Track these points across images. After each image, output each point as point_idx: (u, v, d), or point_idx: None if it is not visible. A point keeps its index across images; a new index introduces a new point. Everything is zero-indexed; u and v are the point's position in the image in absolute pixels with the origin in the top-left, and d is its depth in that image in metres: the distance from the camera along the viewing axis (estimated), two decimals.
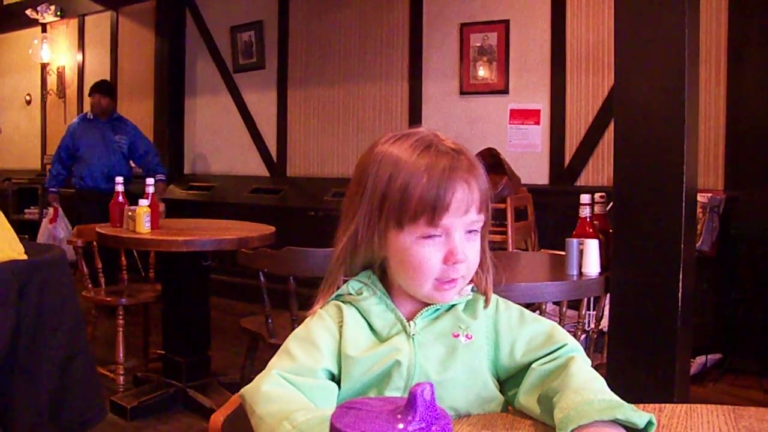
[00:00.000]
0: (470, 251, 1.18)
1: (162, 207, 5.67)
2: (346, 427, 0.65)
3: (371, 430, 0.65)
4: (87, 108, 8.96)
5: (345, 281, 1.24)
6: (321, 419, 0.98)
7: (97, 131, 6.33)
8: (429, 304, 1.21)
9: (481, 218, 1.18)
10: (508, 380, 1.21)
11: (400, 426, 0.65)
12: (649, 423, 1.00)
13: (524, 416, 1.14)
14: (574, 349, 1.17)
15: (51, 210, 6.76)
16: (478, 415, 1.15)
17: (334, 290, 1.24)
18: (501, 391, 1.20)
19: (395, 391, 1.14)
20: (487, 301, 1.23)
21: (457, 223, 1.15)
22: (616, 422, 1.00)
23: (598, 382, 1.09)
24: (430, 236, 1.15)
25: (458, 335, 1.18)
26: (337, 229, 1.24)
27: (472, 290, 1.25)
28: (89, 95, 6.47)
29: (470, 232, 1.18)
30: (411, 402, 0.67)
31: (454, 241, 1.15)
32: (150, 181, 4.04)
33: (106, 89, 6.42)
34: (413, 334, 1.18)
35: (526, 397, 1.14)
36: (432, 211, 1.12)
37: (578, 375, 1.09)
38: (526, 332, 1.20)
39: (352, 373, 1.14)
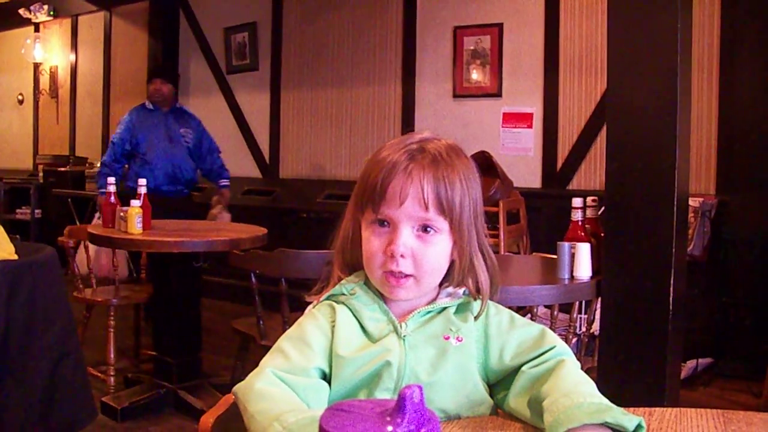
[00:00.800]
0: (420, 249, 1.18)
1: (228, 217, 5.31)
2: (335, 430, 0.65)
3: None
4: (83, 108, 9.01)
5: (341, 278, 1.26)
6: (311, 420, 0.98)
7: (160, 124, 5.39)
8: (421, 306, 1.21)
9: (438, 218, 1.18)
10: (498, 384, 1.22)
11: (389, 428, 0.65)
12: (639, 426, 1.00)
13: (514, 419, 1.14)
14: (563, 352, 1.18)
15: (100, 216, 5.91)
16: (467, 418, 1.16)
17: (331, 285, 1.26)
18: (490, 394, 1.21)
19: (385, 391, 1.14)
20: (482, 307, 1.23)
21: (400, 216, 1.17)
22: (605, 425, 1.00)
23: (588, 386, 1.09)
24: (377, 224, 1.19)
25: (449, 337, 1.19)
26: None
27: (464, 293, 1.25)
28: (148, 81, 5.58)
29: (425, 231, 1.18)
30: (400, 404, 0.67)
31: (396, 233, 1.17)
32: (142, 182, 4.02)
33: (168, 74, 5.56)
34: (404, 335, 1.18)
35: (516, 400, 1.14)
36: (372, 198, 1.17)
37: (568, 378, 1.09)
38: (516, 336, 1.21)
39: (343, 373, 1.15)
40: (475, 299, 1.24)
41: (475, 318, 1.22)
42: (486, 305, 1.24)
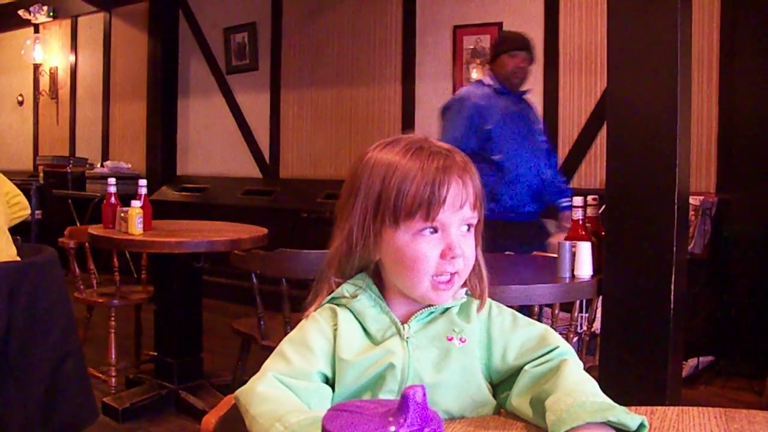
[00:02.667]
0: (467, 247, 1.18)
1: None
2: (338, 430, 0.65)
3: None
4: (83, 109, 9.00)
5: (338, 284, 1.24)
6: (313, 420, 0.98)
7: (518, 114, 3.94)
8: (424, 307, 1.21)
9: (476, 215, 1.19)
10: (501, 384, 1.22)
11: (392, 429, 0.65)
12: (641, 425, 1.00)
13: (516, 418, 1.14)
14: (566, 352, 1.18)
15: None
16: (470, 419, 1.15)
17: (326, 294, 1.24)
18: (493, 394, 1.20)
19: (389, 393, 1.14)
20: (482, 305, 1.23)
21: (453, 219, 1.16)
22: (608, 424, 1.00)
23: (591, 385, 1.09)
24: (426, 232, 1.16)
25: (452, 338, 1.18)
26: (331, 233, 1.25)
27: (467, 294, 1.25)
28: (504, 52, 3.98)
29: (467, 229, 1.19)
30: (403, 405, 0.67)
31: (450, 236, 1.16)
32: (143, 182, 4.02)
33: (532, 48, 4.02)
34: (407, 337, 1.18)
35: (518, 399, 1.14)
36: (428, 206, 1.14)
37: (570, 377, 1.09)
38: (519, 336, 1.21)
39: (346, 377, 1.14)
40: (476, 297, 1.24)
41: (478, 310, 1.23)
42: (486, 300, 1.24)
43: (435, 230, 1.16)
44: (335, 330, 1.19)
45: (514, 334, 1.21)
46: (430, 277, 1.17)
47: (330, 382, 1.16)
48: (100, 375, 4.07)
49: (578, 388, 1.06)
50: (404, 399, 0.67)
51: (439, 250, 1.16)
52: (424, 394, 0.67)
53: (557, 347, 1.18)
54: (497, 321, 1.23)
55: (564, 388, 1.06)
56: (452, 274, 1.17)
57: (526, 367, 1.16)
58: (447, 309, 1.22)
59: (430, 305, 1.21)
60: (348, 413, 0.69)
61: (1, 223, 2.59)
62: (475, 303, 1.24)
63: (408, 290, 1.20)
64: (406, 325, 1.19)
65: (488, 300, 1.26)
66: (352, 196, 1.20)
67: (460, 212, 1.16)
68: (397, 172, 1.15)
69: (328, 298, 1.23)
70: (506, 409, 1.19)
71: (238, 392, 1.12)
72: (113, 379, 4.01)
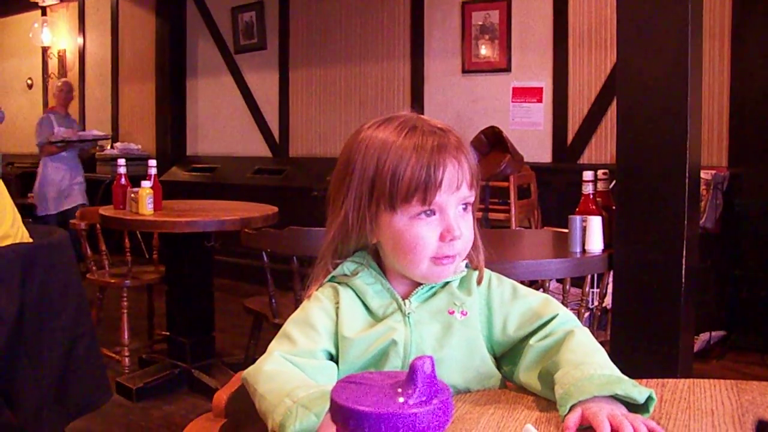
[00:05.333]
0: (465, 227, 1.17)
1: None
2: (347, 402, 0.65)
3: (371, 404, 0.65)
4: (92, 91, 9.00)
5: (337, 265, 1.23)
6: (321, 394, 0.99)
7: None
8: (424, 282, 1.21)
9: (472, 194, 1.18)
10: (504, 356, 1.22)
11: (401, 400, 0.65)
12: (649, 398, 1.00)
13: (526, 392, 1.14)
14: (567, 320, 1.17)
15: None
16: (479, 392, 1.16)
17: (325, 275, 1.23)
18: (497, 367, 1.20)
19: (393, 370, 1.14)
20: (480, 278, 1.23)
21: (450, 200, 1.15)
22: (615, 398, 1.00)
23: (599, 355, 1.09)
24: (424, 215, 1.15)
25: (453, 312, 1.18)
26: (326, 215, 1.24)
27: (466, 266, 1.25)
28: None
29: (464, 208, 1.18)
30: (411, 375, 0.67)
31: (449, 218, 1.15)
32: (152, 163, 4.03)
33: None
34: (409, 313, 1.18)
35: (526, 374, 1.14)
36: (424, 189, 1.12)
37: (578, 350, 1.09)
38: (519, 307, 1.20)
39: (349, 354, 1.15)
40: (474, 268, 1.24)
41: (478, 283, 1.22)
42: (484, 272, 1.24)
43: (432, 212, 1.15)
44: (337, 308, 1.19)
45: (514, 305, 1.21)
46: (429, 259, 1.16)
47: (334, 359, 1.16)
48: (114, 355, 4.10)
49: (586, 360, 1.06)
50: (413, 370, 0.67)
51: (437, 233, 1.15)
52: (433, 365, 0.67)
53: (557, 315, 1.17)
54: (497, 293, 1.22)
55: (572, 361, 1.06)
56: (452, 256, 1.17)
57: (531, 342, 1.16)
58: (447, 283, 1.21)
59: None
60: (356, 385, 0.69)
61: (12, 207, 2.59)
62: (475, 275, 1.23)
63: (407, 272, 1.19)
64: (407, 301, 1.19)
65: (488, 272, 1.25)
66: (346, 179, 1.18)
67: (456, 193, 1.15)
68: (391, 155, 1.14)
69: (329, 276, 1.23)
70: (513, 382, 1.19)
71: (245, 373, 1.12)
72: (126, 359, 4.04)
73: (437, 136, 1.15)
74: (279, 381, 1.05)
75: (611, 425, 0.95)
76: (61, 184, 7.00)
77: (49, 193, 6.99)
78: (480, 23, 5.73)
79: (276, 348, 1.14)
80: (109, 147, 8.19)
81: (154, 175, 3.89)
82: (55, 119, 7.03)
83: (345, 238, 1.21)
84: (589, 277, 2.99)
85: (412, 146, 1.13)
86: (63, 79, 7.71)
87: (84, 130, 7.85)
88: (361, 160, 1.16)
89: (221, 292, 4.77)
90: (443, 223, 1.15)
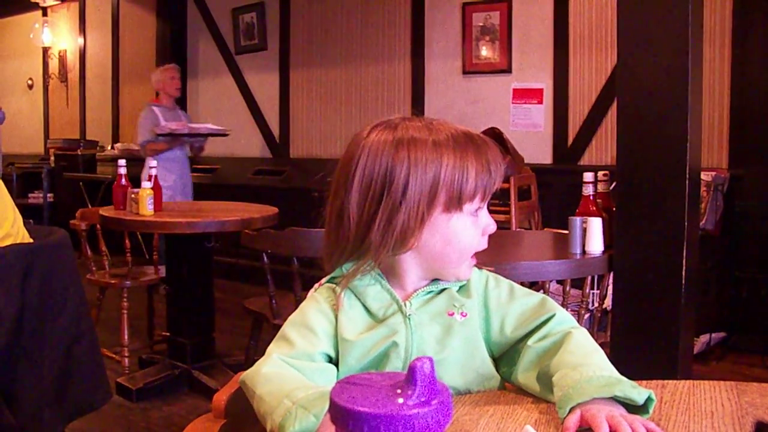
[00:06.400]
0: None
1: None
2: (346, 402, 0.65)
3: (371, 405, 0.65)
4: (93, 91, 8.99)
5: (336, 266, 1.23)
6: (320, 394, 0.98)
7: None
8: (425, 285, 1.21)
9: None
10: (502, 357, 1.22)
11: (400, 400, 0.65)
12: (649, 399, 1.00)
13: (525, 394, 1.14)
14: (565, 320, 1.18)
15: None
16: (479, 393, 1.16)
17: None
18: (495, 368, 1.20)
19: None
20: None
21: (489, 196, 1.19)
22: (615, 399, 1.00)
23: (597, 356, 1.09)
24: (475, 212, 1.17)
25: (453, 314, 1.18)
26: (348, 225, 1.17)
27: None
28: None
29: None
30: (411, 376, 0.67)
31: (487, 213, 1.19)
32: (152, 162, 4.02)
33: None
34: (409, 315, 1.17)
35: (525, 375, 1.14)
36: (486, 186, 1.15)
37: (576, 351, 1.09)
38: (516, 307, 1.20)
39: (350, 356, 1.14)
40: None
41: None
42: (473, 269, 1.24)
43: (477, 210, 1.18)
44: (336, 310, 1.18)
45: (511, 306, 1.21)
46: (469, 255, 1.19)
47: (334, 362, 1.16)
48: (114, 356, 4.10)
49: (585, 362, 1.06)
50: (412, 371, 0.67)
51: (480, 228, 1.19)
52: (432, 366, 0.67)
53: (554, 315, 1.17)
54: (494, 294, 1.22)
55: (570, 363, 1.06)
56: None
57: (529, 342, 1.16)
58: (447, 285, 1.22)
59: (432, 282, 1.21)
60: (356, 386, 0.69)
61: (12, 207, 2.59)
62: (474, 276, 1.23)
63: (447, 272, 1.20)
64: (407, 302, 1.19)
65: (486, 273, 1.26)
66: (385, 188, 1.13)
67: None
68: (450, 154, 1.13)
69: (328, 277, 1.23)
70: (511, 383, 1.19)
71: (243, 376, 1.12)
72: (126, 360, 4.04)
73: (472, 133, 1.18)
74: (277, 383, 1.05)
75: (609, 426, 0.95)
76: (172, 189, 5.71)
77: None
78: (480, 24, 5.73)
79: (274, 350, 1.13)
80: (109, 147, 8.19)
81: (155, 175, 3.89)
82: (160, 113, 5.84)
83: (367, 247, 1.16)
84: (590, 278, 2.99)
85: (464, 144, 1.15)
86: (168, 65, 6.17)
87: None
88: (413, 165, 1.12)
89: (221, 292, 4.78)
90: (483, 218, 1.19)
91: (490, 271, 1.27)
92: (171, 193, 5.59)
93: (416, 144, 1.13)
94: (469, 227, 1.17)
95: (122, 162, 4.13)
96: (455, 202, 1.14)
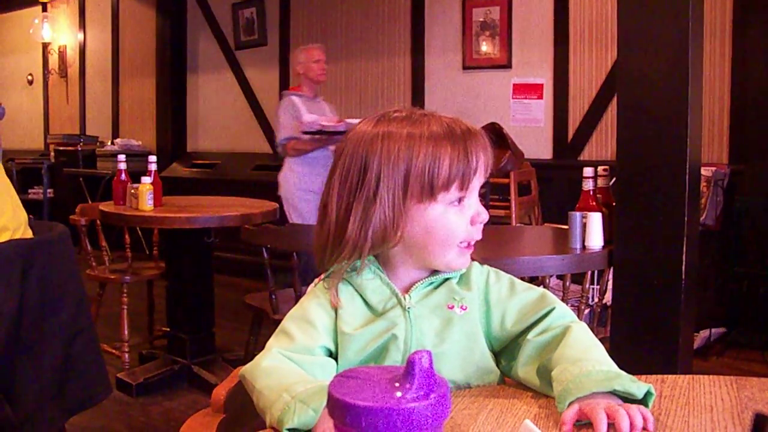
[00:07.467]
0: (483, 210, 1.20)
1: None
2: (344, 396, 0.65)
3: (369, 399, 0.65)
4: (93, 87, 8.99)
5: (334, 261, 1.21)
6: (319, 389, 0.98)
7: None
8: (424, 277, 1.21)
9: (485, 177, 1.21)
10: (502, 352, 1.21)
11: (398, 394, 0.65)
12: (648, 393, 1.00)
13: (525, 388, 1.14)
14: (564, 314, 1.17)
15: None
16: (478, 388, 1.16)
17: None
18: (496, 363, 1.20)
19: (393, 365, 1.14)
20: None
21: (477, 184, 1.17)
22: (614, 393, 1.00)
23: (597, 351, 1.09)
24: (456, 202, 1.16)
25: (453, 307, 1.18)
26: (330, 220, 1.18)
27: None
28: None
29: (481, 193, 1.21)
30: (409, 370, 0.67)
31: (475, 201, 1.18)
32: (152, 159, 4.02)
33: None
34: (408, 307, 1.17)
35: (524, 369, 1.14)
36: (462, 176, 1.14)
37: (576, 345, 1.09)
38: (516, 302, 1.20)
39: (349, 350, 1.14)
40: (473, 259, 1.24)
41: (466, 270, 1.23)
42: (472, 265, 1.24)
43: (465, 197, 1.17)
44: (336, 304, 1.18)
45: (511, 300, 1.20)
46: (457, 246, 1.17)
47: (333, 355, 1.16)
48: (114, 351, 4.10)
49: (584, 356, 1.06)
50: (410, 364, 0.66)
51: (467, 218, 1.17)
52: (431, 360, 0.67)
53: (554, 309, 1.17)
54: (495, 288, 1.22)
55: (570, 357, 1.06)
56: (474, 242, 1.19)
57: (529, 336, 1.16)
58: (447, 278, 1.21)
59: (431, 275, 1.21)
60: (354, 379, 0.68)
61: (12, 198, 2.59)
62: (474, 270, 1.23)
63: (434, 262, 1.19)
64: (407, 296, 1.18)
65: (487, 267, 1.25)
66: (365, 178, 1.14)
67: (483, 177, 1.18)
68: (424, 146, 1.13)
69: (328, 272, 1.22)
70: (511, 377, 1.19)
71: (243, 370, 1.12)
72: (126, 355, 4.04)
73: (456, 123, 1.17)
74: (277, 377, 1.05)
75: (607, 415, 0.95)
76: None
77: (304, 201, 4.77)
78: (481, 19, 5.73)
79: (274, 345, 1.14)
80: (109, 143, 8.19)
81: (154, 171, 3.89)
82: (302, 104, 4.76)
83: (370, 237, 1.16)
84: (589, 273, 2.99)
85: (442, 134, 1.14)
86: (312, 45, 5.01)
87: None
88: (385, 158, 1.13)
89: (221, 288, 4.77)
90: (473, 207, 1.17)
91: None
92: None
93: (390, 137, 1.14)
94: (450, 216, 1.15)
95: (122, 157, 4.14)
96: (427, 193, 1.14)
